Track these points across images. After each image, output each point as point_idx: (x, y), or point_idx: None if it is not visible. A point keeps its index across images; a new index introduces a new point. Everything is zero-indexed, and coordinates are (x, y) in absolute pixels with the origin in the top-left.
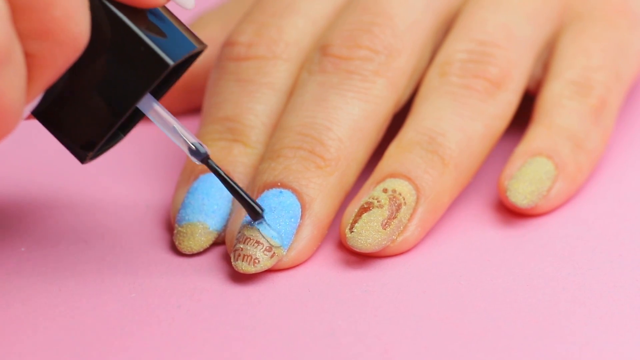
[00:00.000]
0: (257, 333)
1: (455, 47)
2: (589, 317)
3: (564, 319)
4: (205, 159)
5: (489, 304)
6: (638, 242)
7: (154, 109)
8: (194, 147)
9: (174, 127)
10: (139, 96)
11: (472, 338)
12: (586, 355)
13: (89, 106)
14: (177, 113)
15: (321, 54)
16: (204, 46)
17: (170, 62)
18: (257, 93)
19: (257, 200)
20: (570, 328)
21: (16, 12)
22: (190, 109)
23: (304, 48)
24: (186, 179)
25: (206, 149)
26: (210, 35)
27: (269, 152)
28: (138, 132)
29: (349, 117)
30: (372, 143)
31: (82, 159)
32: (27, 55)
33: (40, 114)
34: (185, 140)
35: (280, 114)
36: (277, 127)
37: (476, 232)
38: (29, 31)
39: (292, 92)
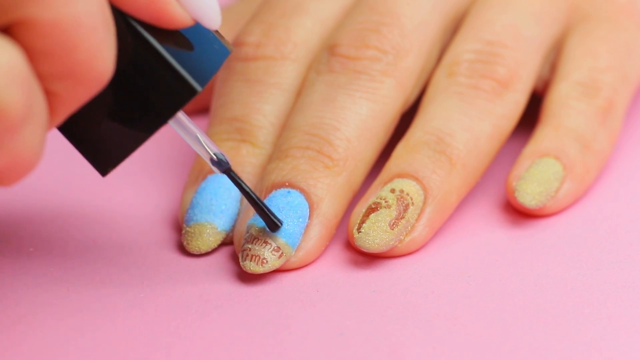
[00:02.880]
0: (265, 333)
1: (463, 48)
2: (597, 318)
3: (572, 319)
4: (227, 169)
5: (497, 304)
6: None
7: (179, 118)
8: (215, 157)
9: (197, 137)
10: (165, 119)
11: (480, 338)
12: (594, 356)
13: (115, 124)
14: (186, 113)
15: (329, 54)
16: (231, 48)
17: (199, 89)
18: (265, 93)
19: (264, 201)
20: (578, 328)
21: (37, 56)
22: (198, 109)
23: (312, 48)
24: (194, 179)
25: (228, 159)
26: None
27: (277, 152)
28: None
29: (357, 117)
30: (380, 143)
31: (104, 173)
32: (49, 94)
33: (65, 129)
34: (207, 151)
35: (288, 114)
36: (285, 127)
37: (484, 233)
38: (51, 74)
39: (300, 92)
